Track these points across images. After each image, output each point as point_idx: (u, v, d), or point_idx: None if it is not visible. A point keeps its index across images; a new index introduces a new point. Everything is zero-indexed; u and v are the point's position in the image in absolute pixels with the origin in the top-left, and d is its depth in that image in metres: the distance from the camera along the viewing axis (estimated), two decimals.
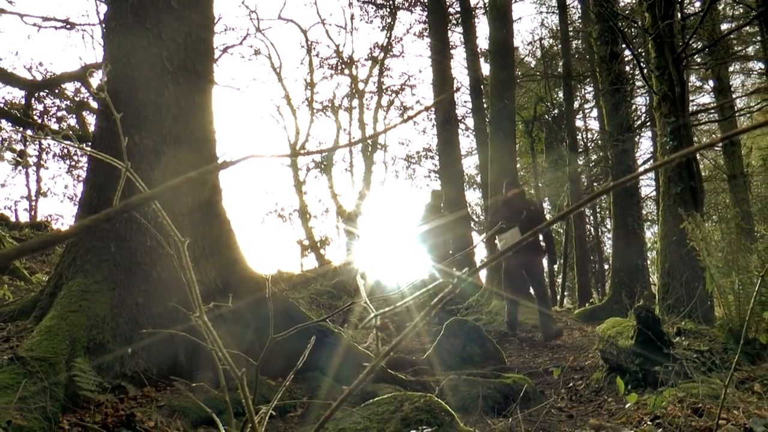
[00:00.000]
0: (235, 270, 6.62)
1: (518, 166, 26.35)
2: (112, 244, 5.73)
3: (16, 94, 22.10)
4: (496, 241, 12.83)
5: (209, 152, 6.70)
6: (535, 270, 11.88)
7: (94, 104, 19.09)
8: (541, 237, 11.96)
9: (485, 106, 23.31)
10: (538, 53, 33.40)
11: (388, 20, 32.17)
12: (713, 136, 27.39)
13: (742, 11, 23.39)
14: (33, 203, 27.44)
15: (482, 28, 27.43)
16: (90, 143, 7.86)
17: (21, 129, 21.84)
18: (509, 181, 12.67)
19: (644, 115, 25.48)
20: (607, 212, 28.96)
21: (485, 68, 24.82)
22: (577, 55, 28.35)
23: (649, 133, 26.82)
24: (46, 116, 22.93)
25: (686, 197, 11.84)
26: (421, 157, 36.29)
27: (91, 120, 20.94)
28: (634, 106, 24.07)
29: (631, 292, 14.27)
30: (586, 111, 34.27)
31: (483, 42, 25.16)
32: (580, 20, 27.30)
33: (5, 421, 3.66)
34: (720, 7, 23.34)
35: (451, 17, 25.73)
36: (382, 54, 33.79)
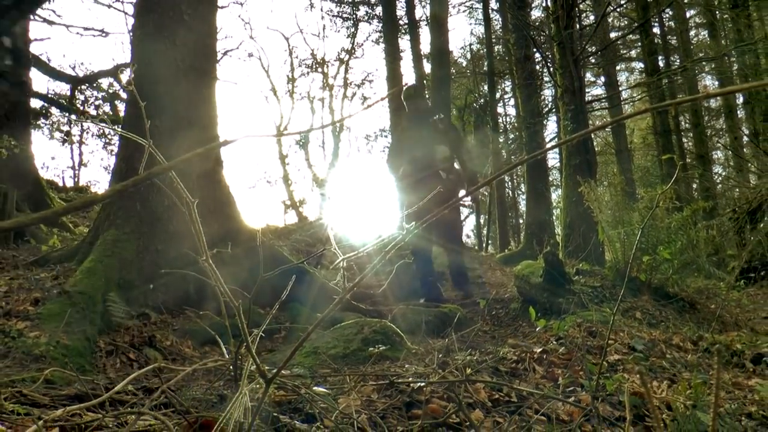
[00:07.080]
0: (233, 224, 6.61)
1: None
2: (137, 203, 5.70)
3: (63, 87, 21.83)
4: None
5: (213, 132, 6.66)
6: (452, 232, 8.23)
7: (124, 95, 18.91)
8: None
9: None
10: (468, 55, 33.40)
11: (352, 30, 31.95)
12: (604, 119, 27.52)
13: (626, 23, 23.53)
14: (76, 172, 27.06)
15: (425, 36, 27.23)
16: (121, 125, 7.79)
17: (67, 114, 21.66)
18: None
19: (551, 103, 25.43)
20: (522, 179, 28.97)
21: (427, 68, 24.70)
22: (498, 57, 28.33)
23: (554, 118, 26.91)
24: (86, 104, 22.57)
25: (583, 167, 11.95)
26: (377, 136, 36.29)
27: (121, 107, 20.75)
28: (542, 97, 24.15)
29: (540, 241, 14.35)
30: (506, 100, 34.28)
31: (425, 47, 24.95)
32: (501, 29, 27.21)
33: (54, 341, 3.67)
34: (609, 20, 23.48)
35: (400, 27, 25.53)
36: (347, 56, 33.67)
